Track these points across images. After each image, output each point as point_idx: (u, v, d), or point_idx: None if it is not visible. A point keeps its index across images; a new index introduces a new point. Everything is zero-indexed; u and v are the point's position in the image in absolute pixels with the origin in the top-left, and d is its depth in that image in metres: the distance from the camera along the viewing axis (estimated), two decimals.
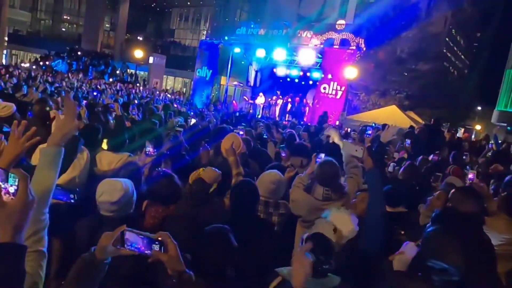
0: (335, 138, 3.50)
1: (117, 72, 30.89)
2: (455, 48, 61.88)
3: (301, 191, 3.24)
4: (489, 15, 49.31)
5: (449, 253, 1.77)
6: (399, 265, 1.90)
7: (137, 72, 31.41)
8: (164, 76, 34.09)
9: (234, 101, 20.62)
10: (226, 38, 20.87)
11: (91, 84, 19.63)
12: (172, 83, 36.88)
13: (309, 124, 12.76)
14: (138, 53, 28.69)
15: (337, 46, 17.14)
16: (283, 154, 4.72)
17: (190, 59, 33.15)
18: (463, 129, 29.32)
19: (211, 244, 1.76)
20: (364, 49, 16.80)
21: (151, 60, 29.74)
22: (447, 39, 48.45)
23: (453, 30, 57.33)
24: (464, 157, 6.97)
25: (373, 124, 11.09)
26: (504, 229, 3.08)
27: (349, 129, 11.37)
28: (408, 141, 7.48)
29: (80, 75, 24.73)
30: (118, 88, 19.17)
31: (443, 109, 30.27)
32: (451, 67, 49.91)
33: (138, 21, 39.11)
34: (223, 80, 22.06)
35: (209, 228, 1.87)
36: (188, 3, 37.30)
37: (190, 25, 39.56)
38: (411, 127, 11.90)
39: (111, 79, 27.23)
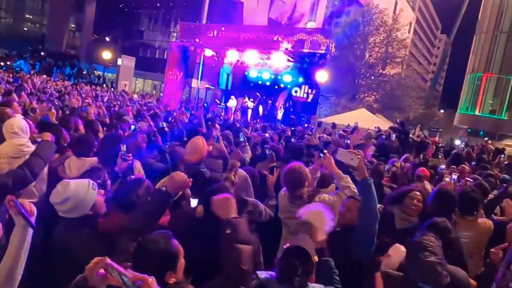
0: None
1: (84, 73, 29.95)
2: (419, 54, 64.44)
3: (283, 192, 3.26)
4: (450, 23, 51.48)
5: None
6: (387, 267, 1.99)
7: (105, 74, 30.56)
8: (133, 78, 33.38)
9: (216, 100, 20.60)
10: (197, 40, 20.64)
11: (56, 86, 18.88)
12: (141, 85, 36.18)
13: (282, 126, 12.79)
14: (106, 55, 27.94)
15: (307, 50, 17.28)
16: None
17: (160, 61, 32.67)
18: (428, 131, 30.39)
19: (149, 251, 1.70)
20: (334, 51, 17.01)
21: (119, 61, 29.00)
22: (411, 44, 50.21)
23: (416, 36, 59.66)
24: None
25: (347, 125, 11.28)
26: (463, 226, 3.23)
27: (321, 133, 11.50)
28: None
29: (44, 76, 23.77)
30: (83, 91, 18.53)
31: (409, 112, 31.35)
32: (415, 72, 51.76)
33: (106, 22, 38.12)
34: (195, 83, 21.81)
35: (150, 235, 1.81)
36: (158, 4, 36.72)
37: (160, 27, 38.94)
38: (378, 128, 12.21)
39: (76, 81, 26.35)
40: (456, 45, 51.49)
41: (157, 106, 13.04)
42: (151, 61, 33.54)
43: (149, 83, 36.23)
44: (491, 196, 4.42)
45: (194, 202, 2.71)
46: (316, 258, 1.89)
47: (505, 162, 9.09)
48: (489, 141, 13.81)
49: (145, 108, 11.09)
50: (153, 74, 32.96)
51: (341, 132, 10.51)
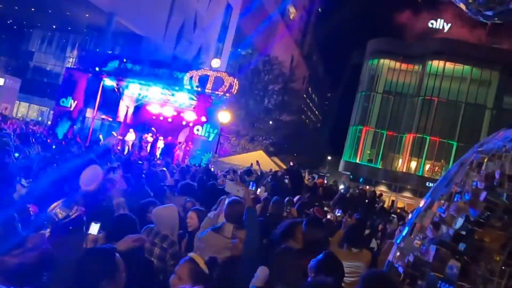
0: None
1: None
2: (311, 104, 70.91)
3: (210, 231, 3.26)
4: (337, 80, 58.19)
5: None
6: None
7: None
8: (17, 101, 29.98)
9: (113, 132, 19.41)
10: (97, 69, 19.72)
11: None
12: (25, 110, 32.59)
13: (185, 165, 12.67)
14: None
15: (209, 90, 17.73)
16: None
17: (50, 86, 30.05)
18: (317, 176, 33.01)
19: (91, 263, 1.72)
20: (237, 89, 17.66)
21: (1, 81, 25.97)
22: (305, 95, 55.09)
23: (309, 89, 65.77)
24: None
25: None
26: (349, 257, 3.65)
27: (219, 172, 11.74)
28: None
29: None
30: None
31: (302, 157, 33.84)
32: (307, 120, 56.55)
33: None
34: (90, 112, 20.55)
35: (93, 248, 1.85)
36: (54, 26, 34.28)
37: (54, 50, 36.16)
38: (272, 171, 12.96)
39: None
40: (342, 100, 58.14)
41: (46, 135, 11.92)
42: (40, 85, 30.64)
43: (35, 108, 32.83)
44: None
45: (95, 228, 2.65)
46: None
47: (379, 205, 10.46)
48: (367, 187, 15.72)
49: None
50: (41, 100, 30.05)
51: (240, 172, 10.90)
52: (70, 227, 2.81)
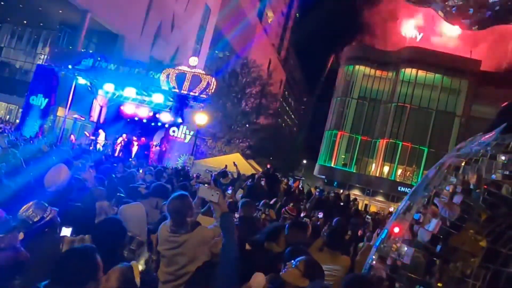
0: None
1: None
2: (287, 108, 71.50)
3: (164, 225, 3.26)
4: (314, 84, 58.94)
5: None
6: None
7: None
8: None
9: (86, 132, 18.90)
10: (69, 66, 19.14)
11: None
12: None
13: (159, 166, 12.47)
14: None
15: (185, 91, 17.51)
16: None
17: (19, 83, 28.92)
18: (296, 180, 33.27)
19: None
20: (215, 88, 17.51)
21: None
22: (281, 99, 55.43)
23: (286, 93, 66.33)
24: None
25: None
26: (329, 260, 3.66)
27: (195, 174, 11.64)
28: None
29: None
30: None
31: (278, 160, 33.97)
32: (284, 124, 56.90)
33: None
34: (61, 111, 19.91)
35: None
36: (25, 21, 33.11)
37: (25, 46, 34.90)
38: (252, 174, 12.97)
39: None
40: (318, 104, 58.93)
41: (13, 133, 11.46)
42: (9, 82, 29.42)
43: (2, 105, 31.53)
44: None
45: (66, 231, 2.56)
46: None
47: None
48: (341, 191, 15.98)
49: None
50: (9, 97, 28.85)
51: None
52: (46, 229, 2.71)
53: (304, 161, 50.45)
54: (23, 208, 2.72)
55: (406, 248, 2.29)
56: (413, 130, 33.19)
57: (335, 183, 34.45)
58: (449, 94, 33.49)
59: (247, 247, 3.44)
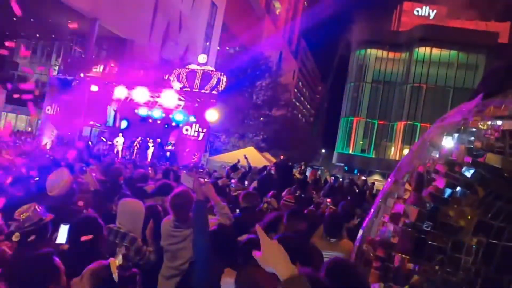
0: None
1: None
2: (302, 98, 70.95)
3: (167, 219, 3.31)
4: (327, 72, 58.19)
5: None
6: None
7: None
8: (3, 112, 29.65)
9: (102, 138, 19.40)
10: (81, 75, 19.52)
11: None
12: (13, 121, 32.22)
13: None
14: None
15: (196, 89, 17.64)
16: None
17: (38, 96, 29.72)
18: (312, 169, 33.07)
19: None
20: (225, 84, 17.61)
21: None
22: (295, 90, 55.06)
23: (300, 83, 65.81)
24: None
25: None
26: (328, 247, 3.62)
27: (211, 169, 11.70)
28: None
29: None
30: None
31: (294, 151, 33.79)
32: (299, 114, 56.51)
33: None
34: (77, 119, 20.32)
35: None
36: (37, 35, 33.94)
37: (39, 59, 35.83)
38: (264, 166, 12.94)
39: None
40: (332, 92, 58.22)
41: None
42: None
43: (23, 118, 32.50)
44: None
45: (63, 229, 2.61)
46: None
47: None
48: (362, 177, 15.78)
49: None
50: (28, 110, 29.67)
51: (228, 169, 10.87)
52: (35, 235, 2.74)
53: (322, 150, 50.01)
54: (18, 210, 2.77)
55: (393, 227, 2.23)
56: (431, 110, 32.41)
57: (355, 170, 34.07)
58: (467, 70, 32.49)
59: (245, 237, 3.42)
